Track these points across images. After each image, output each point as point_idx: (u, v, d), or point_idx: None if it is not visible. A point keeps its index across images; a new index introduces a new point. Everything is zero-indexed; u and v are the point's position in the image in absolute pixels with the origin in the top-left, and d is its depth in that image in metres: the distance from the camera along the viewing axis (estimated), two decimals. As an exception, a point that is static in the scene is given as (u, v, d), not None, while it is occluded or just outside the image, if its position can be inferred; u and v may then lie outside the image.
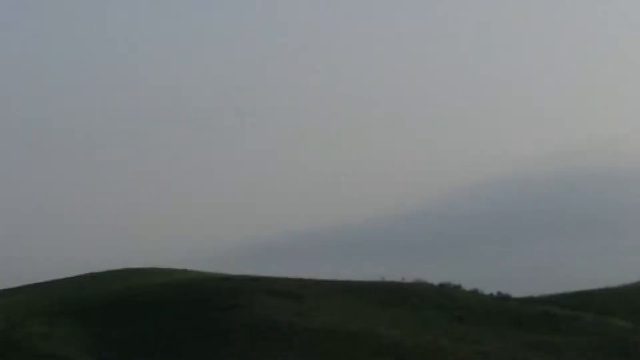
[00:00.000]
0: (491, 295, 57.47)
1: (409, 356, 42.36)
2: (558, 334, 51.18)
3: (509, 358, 44.07)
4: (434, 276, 60.49)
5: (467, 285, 59.53)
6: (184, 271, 61.96)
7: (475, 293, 57.70)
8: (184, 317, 47.79)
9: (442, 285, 57.09)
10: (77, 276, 63.45)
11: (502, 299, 59.69)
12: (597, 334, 51.22)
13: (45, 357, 48.23)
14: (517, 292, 61.25)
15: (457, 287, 56.66)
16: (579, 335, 51.07)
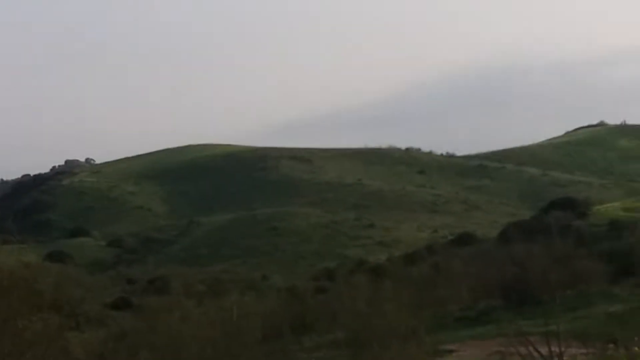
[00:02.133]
0: (442, 154, 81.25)
1: (386, 199, 59.15)
2: (489, 180, 68.83)
3: (455, 197, 61.49)
4: (402, 142, 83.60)
5: (425, 148, 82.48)
6: (229, 145, 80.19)
7: (430, 153, 79.88)
8: (231, 177, 67.53)
9: (407, 149, 79.62)
10: (156, 151, 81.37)
11: (450, 156, 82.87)
12: (515, 179, 69.83)
13: (135, 208, 64.47)
14: (460, 151, 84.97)
15: (419, 150, 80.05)
16: (503, 180, 69.58)
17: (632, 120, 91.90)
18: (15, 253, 39.98)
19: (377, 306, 12.72)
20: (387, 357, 10.61)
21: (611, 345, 12.12)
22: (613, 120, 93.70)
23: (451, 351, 14.14)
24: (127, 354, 12.63)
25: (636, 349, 10.18)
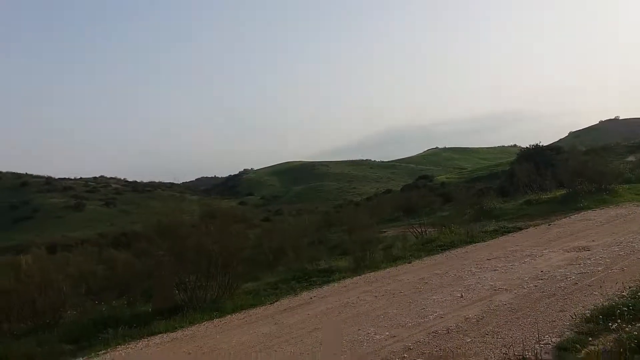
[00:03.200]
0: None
1: (357, 177, 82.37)
2: (394, 170, 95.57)
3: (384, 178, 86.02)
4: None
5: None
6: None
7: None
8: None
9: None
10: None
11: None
12: (409, 170, 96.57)
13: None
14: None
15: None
16: (405, 170, 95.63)
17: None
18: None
19: (356, 216, 32.23)
20: (361, 233, 28.84)
21: (443, 227, 28.51)
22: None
23: (385, 231, 33.93)
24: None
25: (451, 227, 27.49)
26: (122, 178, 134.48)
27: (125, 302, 12.05)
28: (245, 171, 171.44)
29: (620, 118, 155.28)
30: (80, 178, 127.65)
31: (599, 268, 8.63)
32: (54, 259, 21.00)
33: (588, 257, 9.78)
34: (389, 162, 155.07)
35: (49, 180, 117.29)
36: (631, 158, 50.53)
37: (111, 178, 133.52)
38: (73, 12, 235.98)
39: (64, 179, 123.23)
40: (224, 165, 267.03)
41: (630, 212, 16.11)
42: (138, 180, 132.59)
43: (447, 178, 69.05)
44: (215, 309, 9.71)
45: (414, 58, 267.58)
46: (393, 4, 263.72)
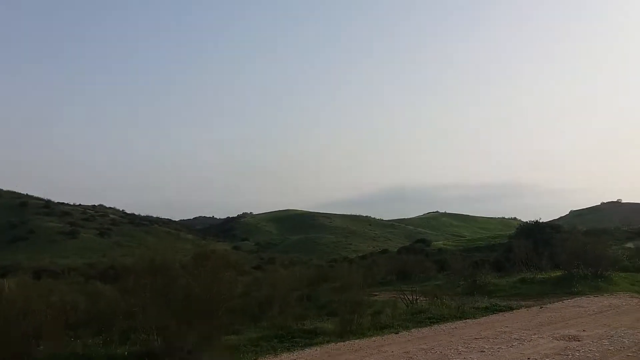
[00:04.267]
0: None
1: (355, 233, 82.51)
2: (393, 229, 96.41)
3: (378, 235, 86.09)
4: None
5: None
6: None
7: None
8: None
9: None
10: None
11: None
12: (405, 231, 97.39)
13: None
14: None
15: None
16: (401, 230, 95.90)
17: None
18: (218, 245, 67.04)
19: (349, 275, 31.75)
20: (354, 294, 28.26)
21: (435, 297, 28.32)
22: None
23: (376, 294, 33.23)
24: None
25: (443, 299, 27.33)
26: (120, 209, 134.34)
27: (101, 342, 11.75)
28: (244, 214, 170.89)
29: (623, 201, 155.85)
30: (79, 205, 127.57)
31: (587, 362, 8.42)
32: (37, 285, 20.68)
33: (577, 348, 9.57)
34: (388, 221, 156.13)
35: (48, 204, 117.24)
36: (630, 245, 50.26)
37: (109, 208, 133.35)
38: (77, 32, 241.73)
39: (63, 203, 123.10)
40: (224, 205, 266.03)
41: (624, 303, 15.88)
42: (136, 213, 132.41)
43: (444, 244, 68.71)
44: (191, 361, 9.45)
45: (426, 120, 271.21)
46: (399, 67, 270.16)
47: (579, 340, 10.30)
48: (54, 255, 67.34)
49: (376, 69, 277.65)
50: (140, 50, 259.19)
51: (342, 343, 11.12)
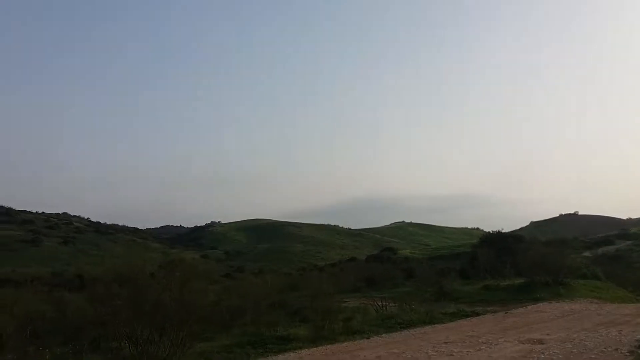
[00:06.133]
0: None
1: (323, 242, 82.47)
2: (361, 238, 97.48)
3: (348, 244, 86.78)
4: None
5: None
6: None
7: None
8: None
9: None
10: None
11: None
12: (373, 240, 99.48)
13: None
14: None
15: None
16: (367, 240, 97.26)
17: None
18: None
19: (320, 282, 31.82)
20: (325, 300, 28.22)
21: (405, 304, 28.82)
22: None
23: (346, 301, 33.40)
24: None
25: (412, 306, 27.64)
26: (85, 217, 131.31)
27: (71, 351, 11.58)
28: (212, 224, 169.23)
29: (579, 213, 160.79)
30: (42, 212, 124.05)
31: (551, 364, 8.79)
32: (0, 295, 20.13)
33: (542, 350, 9.96)
34: (355, 230, 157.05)
35: (9, 212, 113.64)
36: (587, 254, 52.01)
37: (74, 216, 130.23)
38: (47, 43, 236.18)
39: (25, 211, 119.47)
40: (191, 214, 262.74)
41: (584, 309, 16.51)
42: (101, 222, 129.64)
43: (410, 253, 69.80)
44: (165, 368, 9.44)
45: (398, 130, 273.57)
46: (366, 81, 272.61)
47: (543, 344, 10.71)
48: (16, 265, 65.27)
49: (342, 79, 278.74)
50: (107, 58, 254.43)
51: (315, 348, 11.26)
